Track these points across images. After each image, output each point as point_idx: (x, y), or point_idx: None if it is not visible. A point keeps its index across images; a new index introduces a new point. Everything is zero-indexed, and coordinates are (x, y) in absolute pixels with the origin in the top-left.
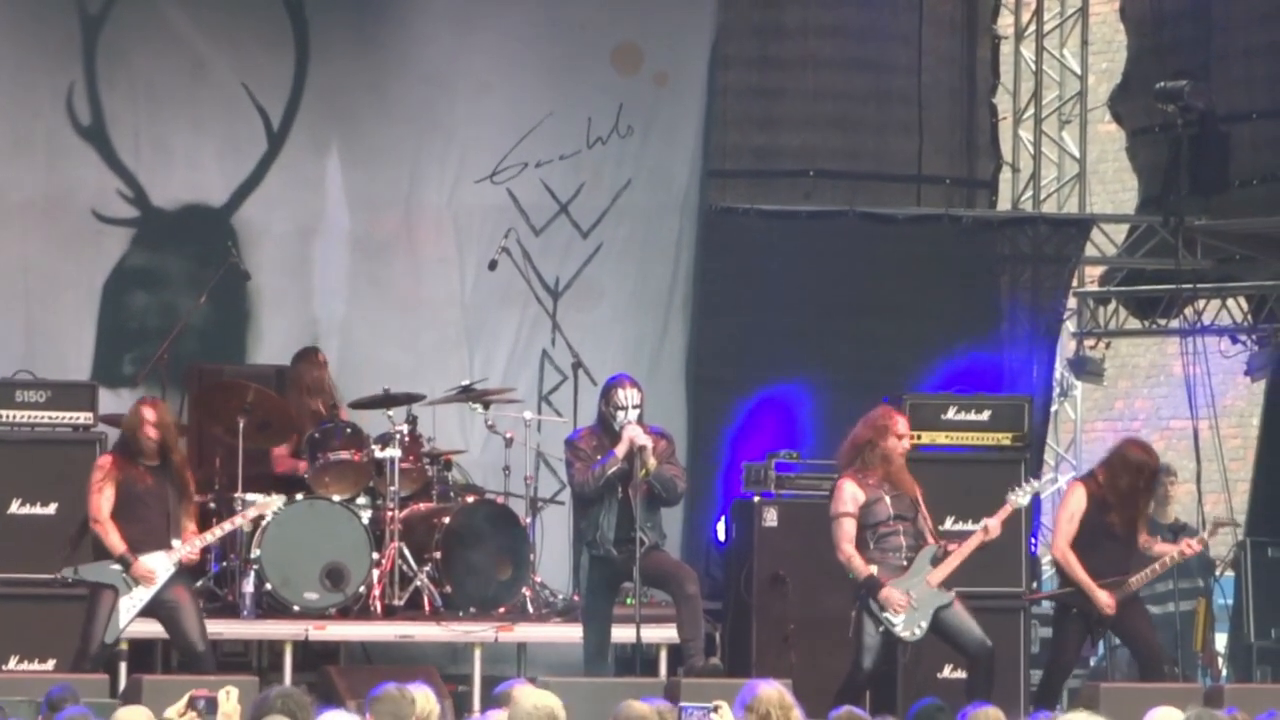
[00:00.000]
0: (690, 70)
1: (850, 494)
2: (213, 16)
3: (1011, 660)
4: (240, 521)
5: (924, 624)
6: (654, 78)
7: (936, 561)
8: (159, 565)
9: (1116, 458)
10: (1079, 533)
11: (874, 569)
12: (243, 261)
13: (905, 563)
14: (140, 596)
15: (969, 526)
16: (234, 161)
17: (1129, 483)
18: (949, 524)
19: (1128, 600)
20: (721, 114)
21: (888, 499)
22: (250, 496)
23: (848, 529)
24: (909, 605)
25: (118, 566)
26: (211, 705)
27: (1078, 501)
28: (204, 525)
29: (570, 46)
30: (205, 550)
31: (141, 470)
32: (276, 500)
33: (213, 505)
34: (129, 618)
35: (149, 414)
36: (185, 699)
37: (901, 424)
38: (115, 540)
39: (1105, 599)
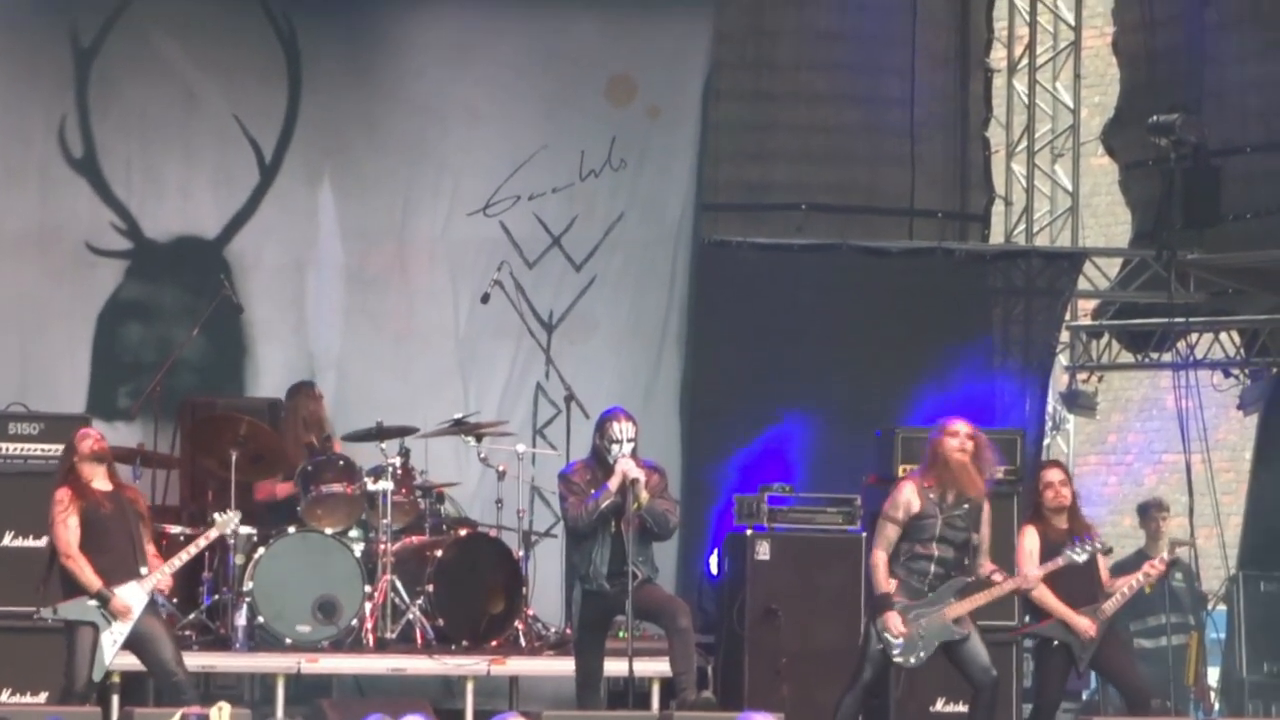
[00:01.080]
0: (684, 103)
1: (905, 499)
2: (205, 48)
3: (1003, 693)
4: (203, 543)
5: (923, 654)
6: (647, 110)
7: (961, 596)
8: (134, 597)
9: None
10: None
11: (892, 585)
12: (235, 294)
13: (927, 589)
14: (121, 630)
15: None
16: (227, 193)
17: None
18: None
19: (1107, 633)
20: (714, 147)
21: (940, 519)
22: (247, 530)
23: (888, 534)
24: (910, 634)
25: (95, 603)
26: None
27: (1032, 541)
28: (200, 560)
29: (563, 79)
30: (197, 583)
31: (100, 497)
32: (233, 516)
33: (183, 539)
34: (113, 653)
35: (86, 429)
36: (178, 716)
37: (955, 424)
38: (90, 576)
39: (1085, 624)
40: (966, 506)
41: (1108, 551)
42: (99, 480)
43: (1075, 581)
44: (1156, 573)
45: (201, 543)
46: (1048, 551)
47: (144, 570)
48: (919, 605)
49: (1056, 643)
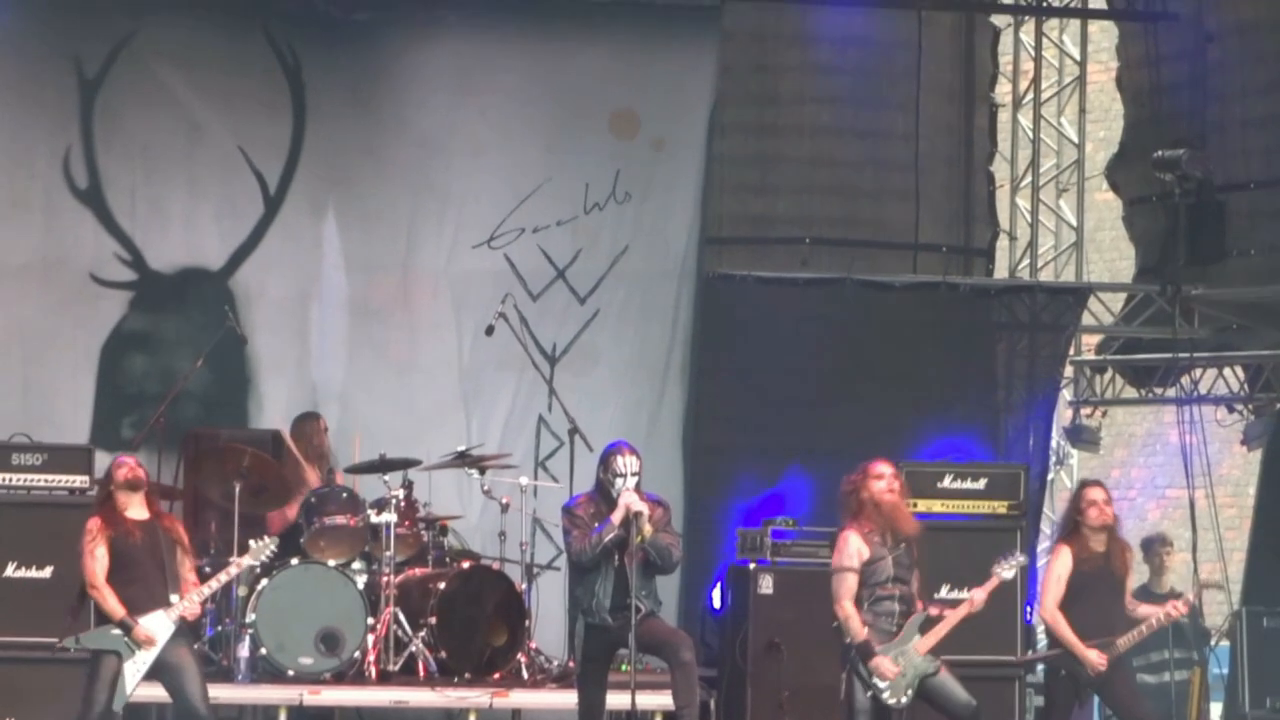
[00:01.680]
0: (688, 136)
1: (855, 548)
2: (209, 80)
3: None
4: (235, 571)
5: (910, 691)
6: (651, 144)
7: (925, 629)
8: (159, 626)
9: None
10: (1067, 593)
11: (866, 632)
12: (239, 325)
13: (895, 629)
14: (144, 660)
15: (964, 595)
16: (231, 224)
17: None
18: (944, 592)
19: (1115, 664)
20: (718, 181)
21: (889, 559)
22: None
23: (850, 584)
24: (899, 673)
25: (119, 631)
26: None
27: (1063, 564)
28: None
29: (567, 112)
30: (200, 615)
31: (130, 526)
32: (268, 544)
33: (208, 570)
34: (134, 683)
35: (126, 458)
36: None
37: (879, 466)
38: (114, 605)
39: (1095, 658)
40: (904, 544)
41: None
42: (134, 509)
43: (1094, 611)
44: (1178, 614)
45: (233, 570)
46: (1078, 575)
47: (174, 599)
48: (893, 646)
49: (1064, 672)
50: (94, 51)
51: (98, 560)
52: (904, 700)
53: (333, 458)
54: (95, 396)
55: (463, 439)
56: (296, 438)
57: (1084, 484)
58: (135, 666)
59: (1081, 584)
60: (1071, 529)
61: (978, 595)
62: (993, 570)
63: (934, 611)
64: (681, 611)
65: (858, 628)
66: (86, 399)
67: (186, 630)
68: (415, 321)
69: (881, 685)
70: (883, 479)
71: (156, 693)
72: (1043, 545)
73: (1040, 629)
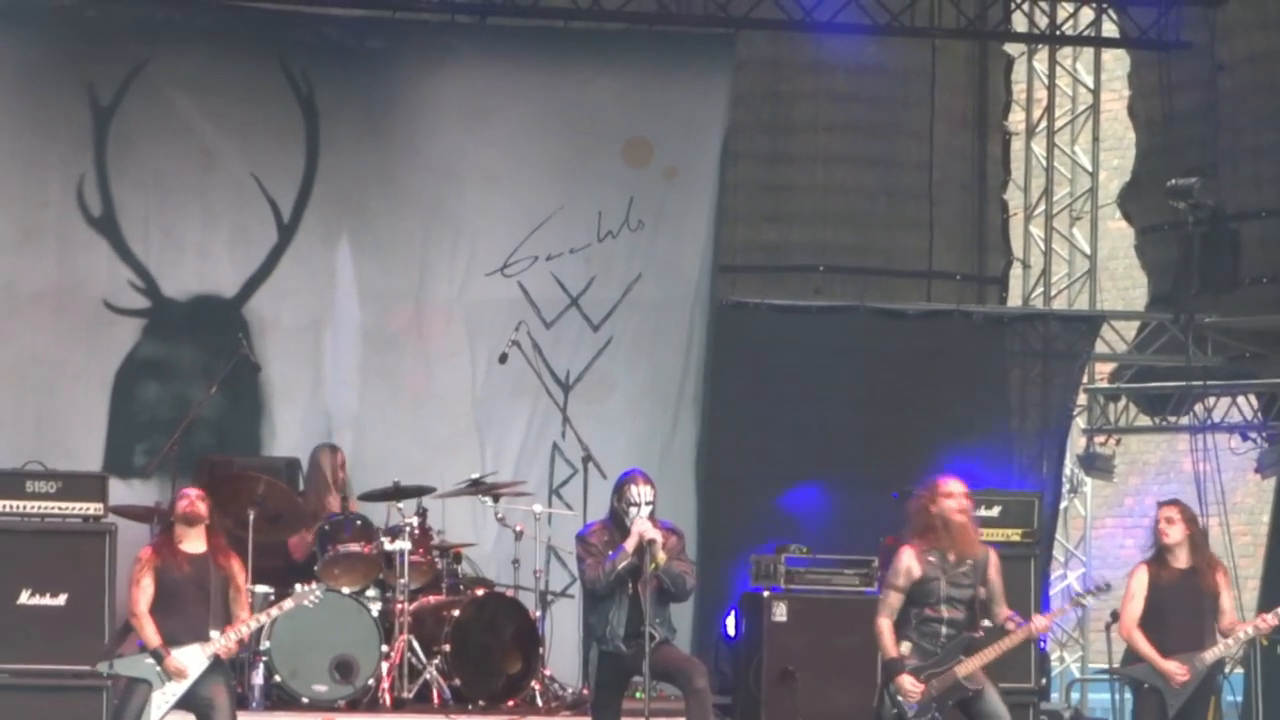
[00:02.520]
0: (701, 164)
1: (905, 566)
2: (223, 107)
3: None
4: (275, 613)
5: (937, 714)
6: (664, 172)
7: (970, 652)
8: (192, 660)
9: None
10: (1146, 611)
11: (904, 647)
12: (253, 353)
13: (940, 649)
14: (174, 691)
15: (982, 623)
16: (245, 252)
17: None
18: None
19: (1202, 679)
20: (732, 208)
21: (943, 579)
22: (264, 589)
23: (891, 601)
24: (923, 694)
25: (151, 660)
26: None
27: (1139, 582)
28: None
29: (581, 140)
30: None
31: (181, 559)
32: (315, 589)
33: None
34: (161, 714)
35: (189, 490)
36: None
37: (951, 484)
38: (150, 634)
39: (1175, 669)
40: (970, 563)
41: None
42: (190, 542)
43: (1174, 628)
44: (1268, 626)
45: (274, 612)
46: (1154, 593)
47: (214, 635)
48: (929, 666)
49: (1147, 686)
50: (108, 79)
51: (142, 589)
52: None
53: (348, 486)
54: (108, 423)
55: (477, 467)
56: (316, 466)
57: (1160, 504)
58: (164, 697)
59: (1160, 602)
60: (1155, 552)
61: (1040, 622)
62: (1064, 603)
63: (1011, 625)
64: (696, 639)
65: (889, 644)
66: (100, 426)
67: (225, 667)
68: (429, 350)
69: (906, 705)
70: (953, 497)
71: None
72: (1056, 572)
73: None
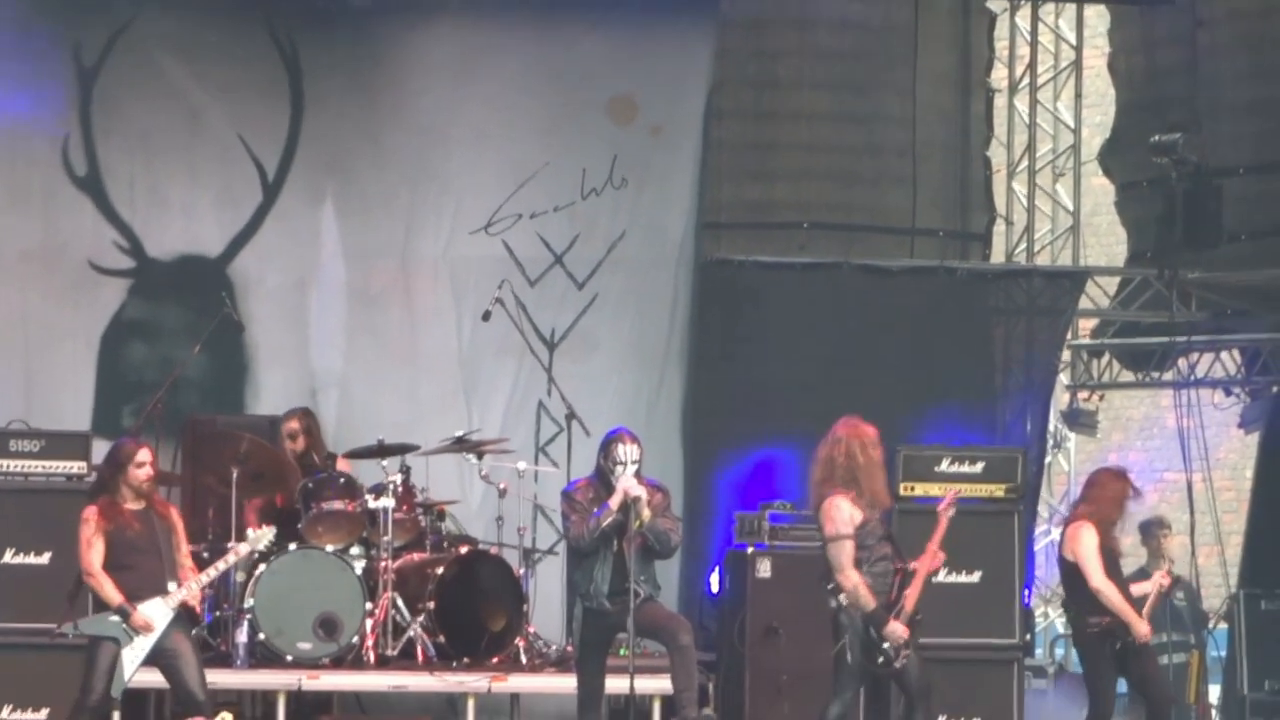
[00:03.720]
0: (685, 122)
1: (848, 514)
2: (207, 67)
3: (1004, 712)
4: (234, 559)
5: (907, 653)
6: (649, 129)
7: (905, 586)
8: (157, 613)
9: (1104, 493)
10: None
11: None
12: (236, 312)
13: (889, 589)
14: (142, 646)
15: (961, 579)
16: (230, 212)
17: (1118, 516)
18: (942, 575)
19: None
20: (716, 166)
21: (876, 519)
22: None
23: (849, 551)
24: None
25: (117, 618)
26: None
27: (1092, 538)
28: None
29: (565, 98)
30: (199, 600)
31: (129, 515)
32: (267, 532)
33: (206, 555)
34: (133, 669)
35: (144, 454)
36: None
37: (866, 426)
38: (111, 592)
39: (1146, 629)
40: (879, 502)
41: None
42: (132, 499)
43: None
44: (1167, 583)
45: (231, 558)
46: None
47: (171, 586)
48: (891, 606)
49: (1120, 644)
50: (92, 39)
51: (94, 550)
52: (905, 662)
53: (322, 450)
54: (96, 384)
55: (464, 425)
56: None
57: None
58: (133, 653)
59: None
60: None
61: (933, 548)
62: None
63: (911, 566)
64: (682, 597)
65: (868, 596)
66: (87, 387)
67: (184, 617)
68: (414, 309)
69: (891, 651)
70: (870, 440)
71: (155, 679)
72: (1040, 528)
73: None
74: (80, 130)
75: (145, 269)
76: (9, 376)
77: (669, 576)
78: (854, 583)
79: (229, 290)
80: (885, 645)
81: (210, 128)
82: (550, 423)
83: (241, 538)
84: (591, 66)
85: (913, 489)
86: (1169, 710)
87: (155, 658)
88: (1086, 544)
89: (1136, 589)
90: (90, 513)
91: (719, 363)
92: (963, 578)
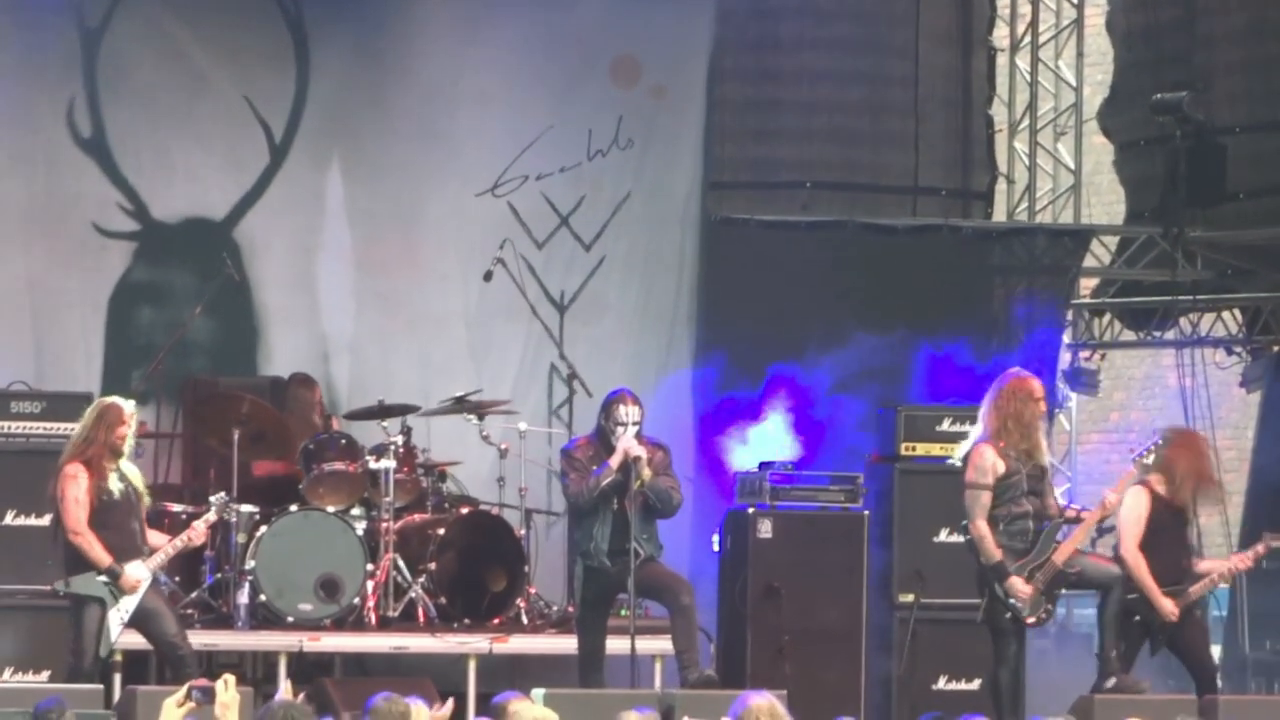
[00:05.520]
0: (688, 82)
1: (990, 463)
2: (211, 29)
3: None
4: (201, 526)
5: (1049, 607)
6: (652, 90)
7: (1059, 538)
8: (139, 573)
9: (1180, 461)
10: (1143, 536)
11: (999, 553)
12: (234, 271)
13: (1029, 545)
14: (127, 607)
15: (960, 539)
16: (236, 175)
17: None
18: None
19: (1187, 612)
20: (719, 126)
21: (1024, 474)
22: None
23: (984, 501)
24: (1034, 591)
25: (104, 578)
26: (209, 694)
27: (1143, 504)
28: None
29: (569, 59)
30: (199, 562)
31: (108, 475)
32: (225, 496)
33: (185, 517)
34: (119, 630)
35: (129, 416)
36: (184, 689)
37: (1031, 381)
38: (100, 553)
39: (1170, 607)
40: (1038, 471)
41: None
42: (113, 458)
43: (1165, 560)
44: (1245, 566)
45: (199, 525)
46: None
47: (146, 548)
48: (1029, 562)
49: (1138, 618)
50: (95, 1)
51: (81, 506)
52: (1044, 617)
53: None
54: (104, 348)
55: (474, 388)
56: (296, 399)
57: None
58: (119, 614)
59: (1158, 527)
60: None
61: (1111, 497)
62: (1131, 466)
63: (1070, 514)
64: (692, 559)
65: (991, 547)
66: (96, 351)
67: (158, 579)
68: (421, 272)
69: (1020, 606)
70: (1032, 396)
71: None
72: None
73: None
74: (85, 92)
75: (150, 232)
76: (20, 341)
77: (681, 537)
78: (980, 533)
79: (235, 253)
80: (1010, 600)
81: (215, 90)
82: (562, 386)
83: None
84: (593, 27)
85: (914, 449)
86: (1213, 685)
87: (133, 619)
88: (1128, 508)
89: (1207, 565)
90: (76, 469)
91: (725, 322)
92: (962, 537)
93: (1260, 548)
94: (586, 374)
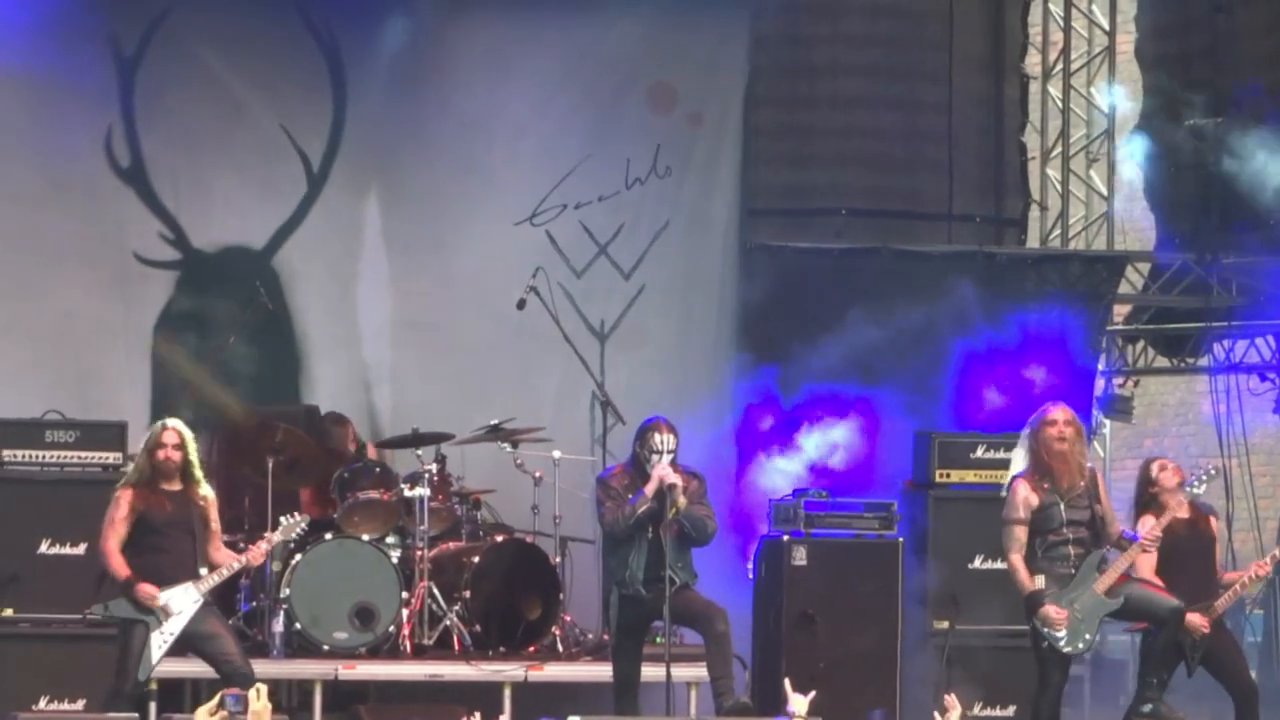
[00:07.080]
0: (725, 110)
1: (1023, 498)
2: (246, 59)
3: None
4: (266, 546)
5: (1089, 636)
6: (689, 118)
7: (1102, 567)
8: (185, 598)
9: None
10: (1166, 557)
11: (1040, 580)
12: (266, 298)
13: (1073, 570)
14: (170, 630)
15: (998, 565)
16: (274, 203)
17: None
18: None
19: (1217, 628)
20: (753, 152)
21: (1062, 505)
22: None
23: (1018, 536)
24: (1069, 619)
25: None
26: (242, 702)
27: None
28: None
29: (605, 87)
30: (235, 590)
31: (161, 497)
32: (301, 520)
33: (243, 545)
34: (160, 654)
35: (169, 436)
36: (217, 698)
37: (1052, 412)
38: (119, 566)
39: (1198, 621)
40: (1082, 484)
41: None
42: (170, 480)
43: (1189, 577)
44: (1265, 572)
45: (264, 545)
46: (1166, 542)
47: (203, 572)
48: (1069, 590)
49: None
50: (130, 30)
51: (114, 528)
52: (1081, 646)
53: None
54: (152, 377)
55: (515, 418)
56: (330, 435)
57: (1149, 461)
58: (162, 637)
59: (1172, 551)
60: (1149, 500)
61: (1153, 524)
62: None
63: (1106, 550)
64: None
65: (1025, 577)
66: (144, 380)
67: (214, 604)
68: (460, 301)
69: (1057, 634)
70: (1055, 425)
71: (190, 668)
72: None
73: None
74: (123, 121)
75: (191, 261)
76: (64, 373)
77: (717, 564)
78: (1013, 567)
79: (274, 281)
80: (1045, 630)
81: (252, 119)
82: (602, 414)
83: (275, 527)
84: (629, 55)
85: (948, 475)
86: (1253, 701)
87: (191, 643)
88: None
89: (1230, 577)
90: (123, 494)
91: (763, 348)
92: (998, 565)
93: (1277, 551)
94: (627, 401)
